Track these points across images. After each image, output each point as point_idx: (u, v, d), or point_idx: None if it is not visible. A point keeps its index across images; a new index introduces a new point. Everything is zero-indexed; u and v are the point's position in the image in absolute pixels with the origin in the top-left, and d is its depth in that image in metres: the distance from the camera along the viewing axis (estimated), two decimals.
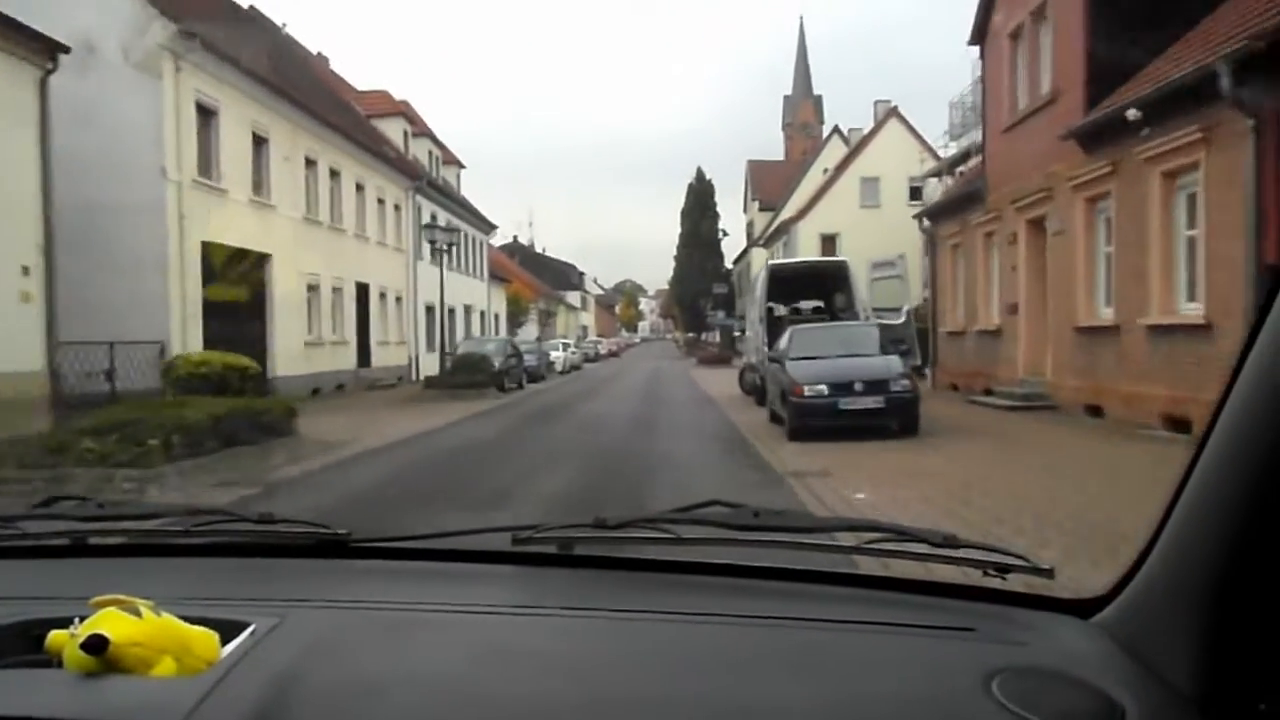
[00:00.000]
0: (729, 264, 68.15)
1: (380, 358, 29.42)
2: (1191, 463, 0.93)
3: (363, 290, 27.95)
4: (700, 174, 68.45)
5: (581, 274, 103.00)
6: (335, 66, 37.60)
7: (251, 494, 9.01)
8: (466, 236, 41.88)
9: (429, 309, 34.69)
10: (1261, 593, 0.86)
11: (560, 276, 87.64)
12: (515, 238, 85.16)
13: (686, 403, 22.13)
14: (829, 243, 44.28)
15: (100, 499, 1.59)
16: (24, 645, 1.05)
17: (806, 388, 12.16)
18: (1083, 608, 1.13)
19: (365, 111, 34.14)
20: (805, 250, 43.76)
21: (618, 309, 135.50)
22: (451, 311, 39.04)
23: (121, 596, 0.99)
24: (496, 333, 44.30)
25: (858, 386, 12.03)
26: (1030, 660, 1.03)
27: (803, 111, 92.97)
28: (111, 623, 0.95)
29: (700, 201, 66.95)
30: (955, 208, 20.61)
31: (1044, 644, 1.08)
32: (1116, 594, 1.07)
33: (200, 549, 1.47)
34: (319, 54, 36.65)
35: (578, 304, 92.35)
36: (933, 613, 1.18)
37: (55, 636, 0.99)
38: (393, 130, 34.74)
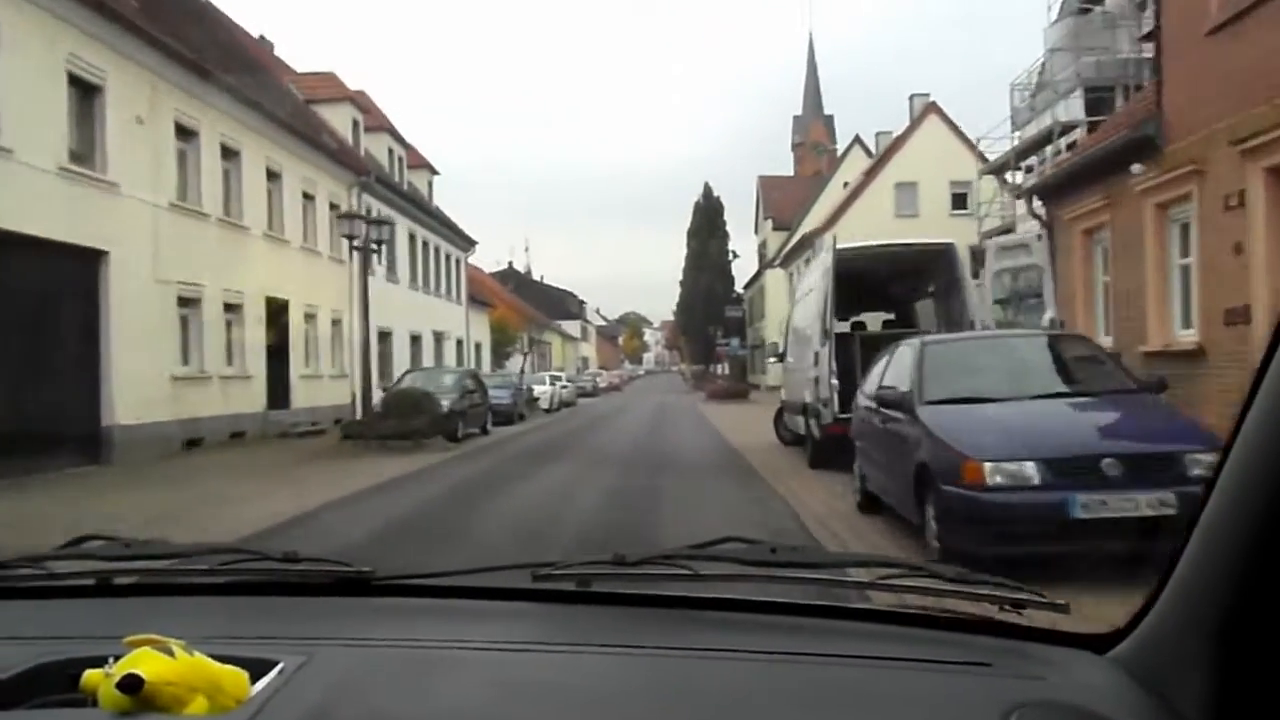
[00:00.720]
0: (740, 289, 62.08)
1: (305, 396, 22.94)
2: (1204, 498, 0.94)
3: (278, 308, 21.53)
4: (708, 190, 62.38)
5: (582, 303, 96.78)
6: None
7: None
8: (438, 251, 35.59)
9: (385, 335, 28.32)
10: (1276, 627, 0.87)
11: (558, 305, 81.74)
12: (510, 263, 79.70)
13: (709, 460, 15.45)
14: None
15: (126, 539, 1.59)
16: (59, 684, 1.06)
17: (993, 468, 5.46)
18: (1098, 642, 1.13)
19: (304, 95, 27.99)
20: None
21: (621, 340, 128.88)
22: (416, 339, 32.67)
23: (154, 636, 1.01)
24: (477, 364, 37.82)
25: (1110, 468, 5.36)
26: (1047, 695, 1.03)
27: (813, 131, 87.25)
28: (146, 662, 0.97)
29: (708, 220, 60.71)
30: (1094, 173, 14.07)
31: (1060, 679, 1.09)
32: (1132, 629, 1.08)
33: (225, 588, 1.47)
34: (260, 37, 30.62)
35: (577, 334, 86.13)
36: (949, 648, 1.18)
37: (90, 676, 1.00)
38: (339, 118, 28.46)
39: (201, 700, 0.97)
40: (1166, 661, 1.00)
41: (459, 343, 37.84)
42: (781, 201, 59.72)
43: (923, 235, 33.17)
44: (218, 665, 1.02)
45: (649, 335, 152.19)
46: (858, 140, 55.67)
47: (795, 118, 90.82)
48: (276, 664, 1.07)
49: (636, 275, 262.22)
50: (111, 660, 0.98)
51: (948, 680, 1.09)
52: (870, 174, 38.26)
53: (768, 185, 64.51)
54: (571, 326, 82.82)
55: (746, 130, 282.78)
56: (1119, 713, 0.98)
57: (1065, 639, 1.19)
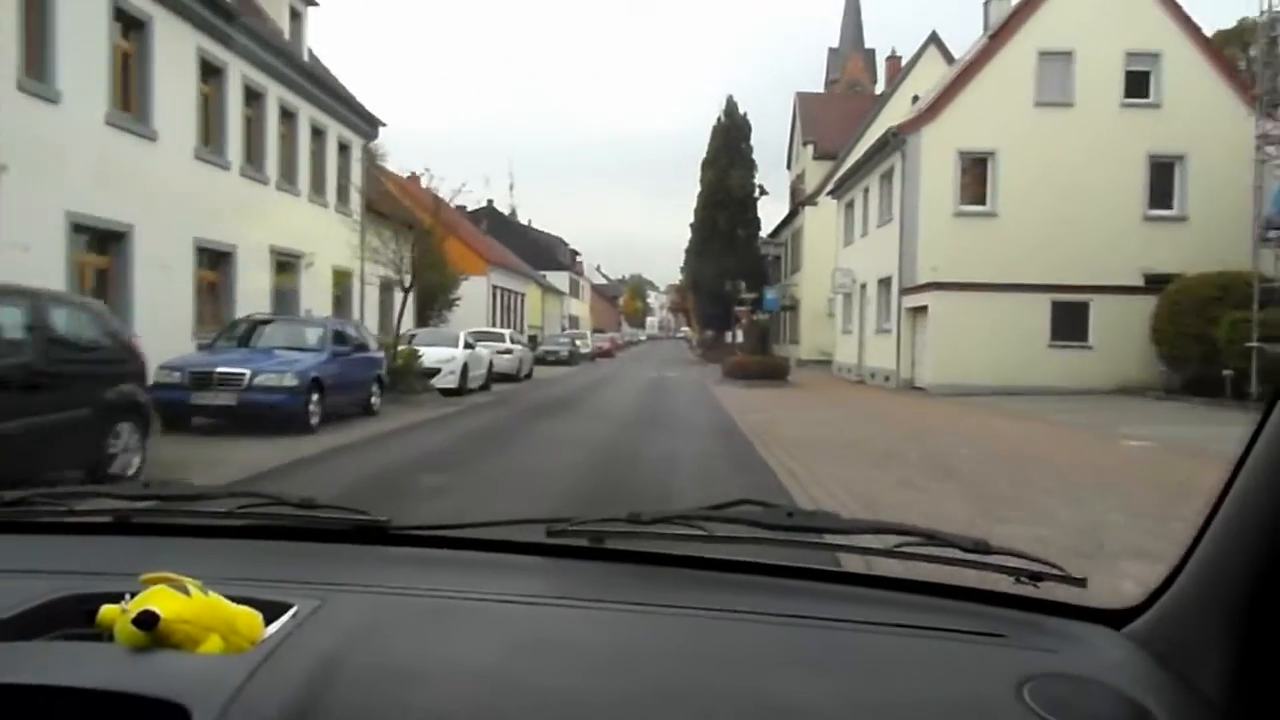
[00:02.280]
0: (767, 234, 48.48)
1: None
2: (1229, 479, 0.96)
3: None
4: (731, 106, 48.62)
5: (574, 253, 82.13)
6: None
7: None
8: (319, 136, 22.25)
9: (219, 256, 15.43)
10: None
11: (544, 253, 68.34)
12: (490, 202, 65.92)
13: None
14: (977, 168, 24.47)
15: (145, 479, 2.19)
16: (76, 619, 1.07)
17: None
18: (1115, 618, 1.14)
19: None
20: (931, 181, 24.09)
21: (621, 300, 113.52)
22: (286, 265, 19.80)
23: (170, 575, 1.01)
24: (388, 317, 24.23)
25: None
26: (1062, 668, 1.04)
27: (851, 67, 73.69)
28: (161, 599, 0.97)
29: (730, 145, 46.93)
30: None
31: (1075, 652, 1.09)
32: (1149, 605, 1.09)
33: (242, 531, 1.48)
34: None
35: (563, 287, 70.67)
36: (964, 618, 1.18)
37: (106, 611, 1.01)
38: None
39: (216, 639, 0.98)
40: (1184, 638, 1.01)
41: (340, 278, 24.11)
42: (824, 123, 46.36)
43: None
44: (233, 606, 1.03)
45: (653, 298, 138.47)
46: (934, 40, 42.16)
47: (831, 51, 77.23)
48: (290, 607, 1.08)
49: (645, 240, 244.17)
50: (128, 597, 1.00)
51: (961, 649, 1.10)
52: (997, 40, 24.60)
53: (808, 104, 50.93)
54: (558, 278, 68.39)
55: (777, 72, 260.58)
56: (1134, 688, 0.99)
57: (1082, 613, 1.19)
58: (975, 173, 24.07)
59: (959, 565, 1.28)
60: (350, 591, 1.17)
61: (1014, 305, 22.68)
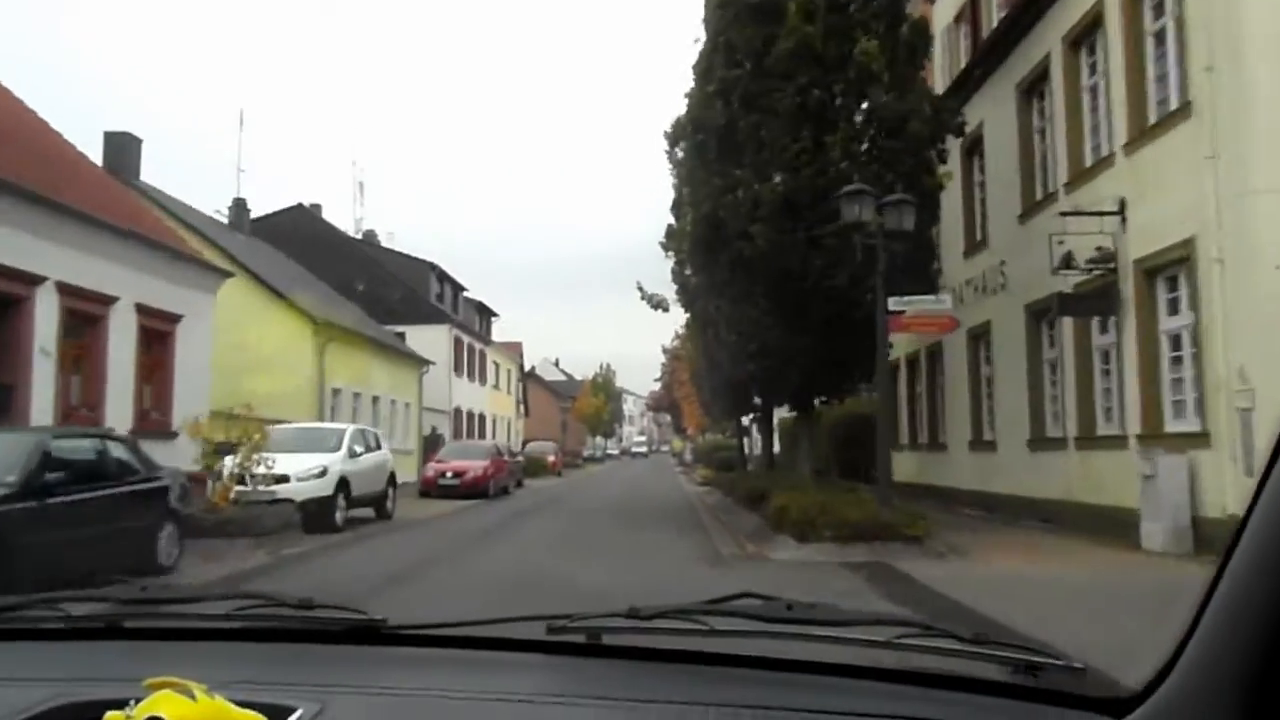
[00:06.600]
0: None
1: None
2: (1225, 559, 0.94)
3: None
4: None
5: (478, 305, 48.75)
6: None
7: None
8: None
9: None
10: None
11: (401, 293, 37.84)
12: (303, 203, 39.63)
13: None
14: None
15: (142, 582, 1.70)
16: None
17: None
18: (1116, 706, 1.10)
19: None
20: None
21: (576, 400, 75.89)
22: None
23: (175, 679, 1.01)
24: None
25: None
26: None
27: None
28: (167, 705, 0.96)
29: None
30: None
31: None
32: (1150, 693, 1.05)
33: (241, 633, 1.46)
34: None
35: (438, 353, 37.01)
36: (965, 709, 1.18)
37: (111, 718, 0.99)
38: None
39: None
40: None
41: None
42: None
43: None
44: (238, 710, 1.02)
45: (630, 404, 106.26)
46: None
47: None
48: (294, 711, 1.08)
49: (619, 354, 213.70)
50: (132, 703, 0.99)
51: None
52: None
53: None
54: (425, 337, 36.78)
55: None
56: None
57: (1082, 703, 1.16)
58: None
59: (958, 656, 1.27)
60: (350, 693, 1.17)
61: None
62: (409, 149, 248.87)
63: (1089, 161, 13.78)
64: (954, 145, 16.53)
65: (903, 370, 22.85)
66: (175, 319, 17.37)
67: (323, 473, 13.95)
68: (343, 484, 14.43)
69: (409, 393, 33.68)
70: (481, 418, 45.21)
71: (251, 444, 12.54)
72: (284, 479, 13.46)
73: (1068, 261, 12.29)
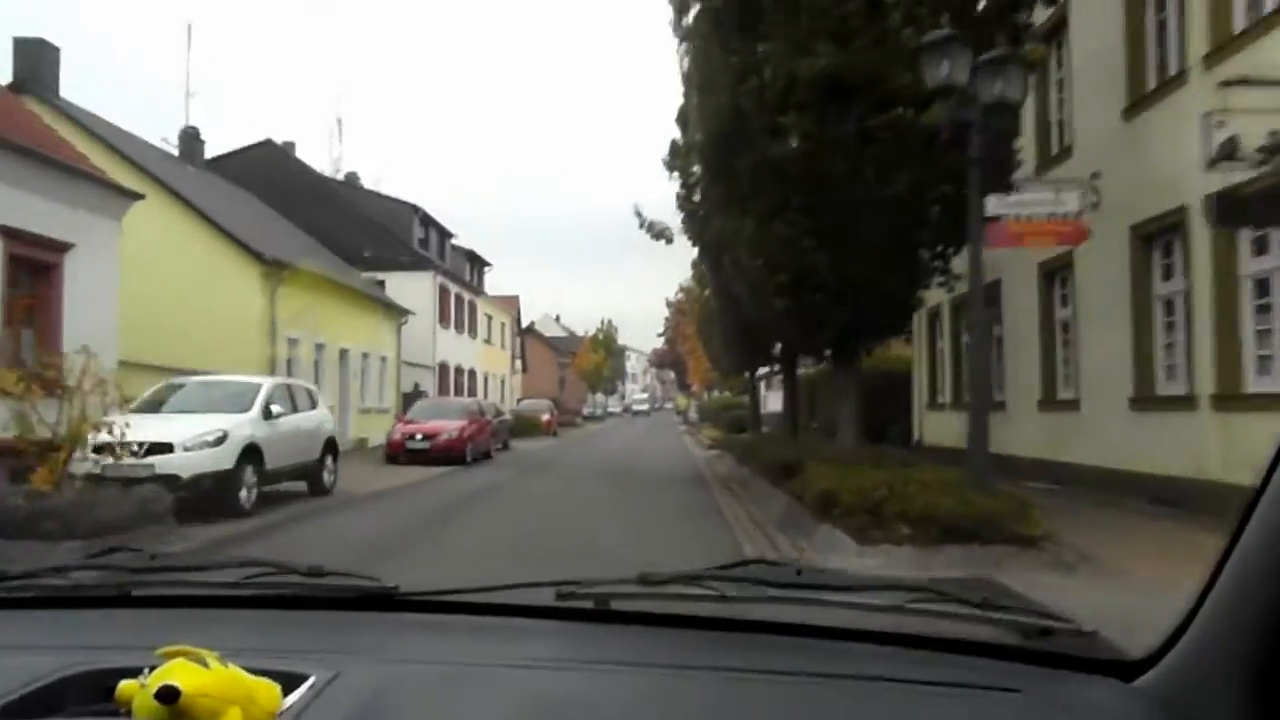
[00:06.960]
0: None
1: None
2: (1239, 525, 0.92)
3: None
4: None
5: (468, 253, 44.72)
6: None
7: None
8: None
9: None
10: None
11: (381, 237, 34.28)
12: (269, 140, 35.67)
13: None
14: None
15: (152, 550, 1.62)
16: (90, 694, 1.05)
17: None
18: (1126, 669, 1.11)
19: None
20: None
21: (576, 356, 72.54)
22: None
23: (188, 647, 1.00)
24: None
25: None
26: None
27: None
28: (181, 673, 0.95)
29: None
30: None
31: (1088, 706, 1.08)
32: (1160, 657, 1.06)
33: (251, 600, 1.46)
34: None
35: (423, 303, 34.17)
36: (977, 673, 1.16)
37: (125, 686, 0.98)
38: None
39: (236, 712, 0.96)
40: (1195, 691, 0.98)
41: None
42: None
43: None
44: (251, 677, 1.01)
45: (633, 361, 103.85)
46: None
47: None
48: (307, 678, 1.07)
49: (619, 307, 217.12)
50: (145, 671, 0.97)
51: (977, 706, 1.09)
52: None
53: None
54: (407, 284, 33.50)
55: None
56: None
57: (1093, 666, 1.16)
58: None
59: (969, 620, 1.26)
60: (363, 659, 1.17)
61: None
62: (406, 90, 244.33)
63: (1241, 24, 10.17)
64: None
65: (945, 314, 19.54)
66: (63, 248, 13.98)
67: (220, 439, 10.59)
68: (250, 453, 11.07)
69: (386, 345, 29.98)
70: (471, 373, 41.92)
71: (79, 395, 8.99)
72: (165, 448, 10.14)
73: (1230, 151, 8.78)
